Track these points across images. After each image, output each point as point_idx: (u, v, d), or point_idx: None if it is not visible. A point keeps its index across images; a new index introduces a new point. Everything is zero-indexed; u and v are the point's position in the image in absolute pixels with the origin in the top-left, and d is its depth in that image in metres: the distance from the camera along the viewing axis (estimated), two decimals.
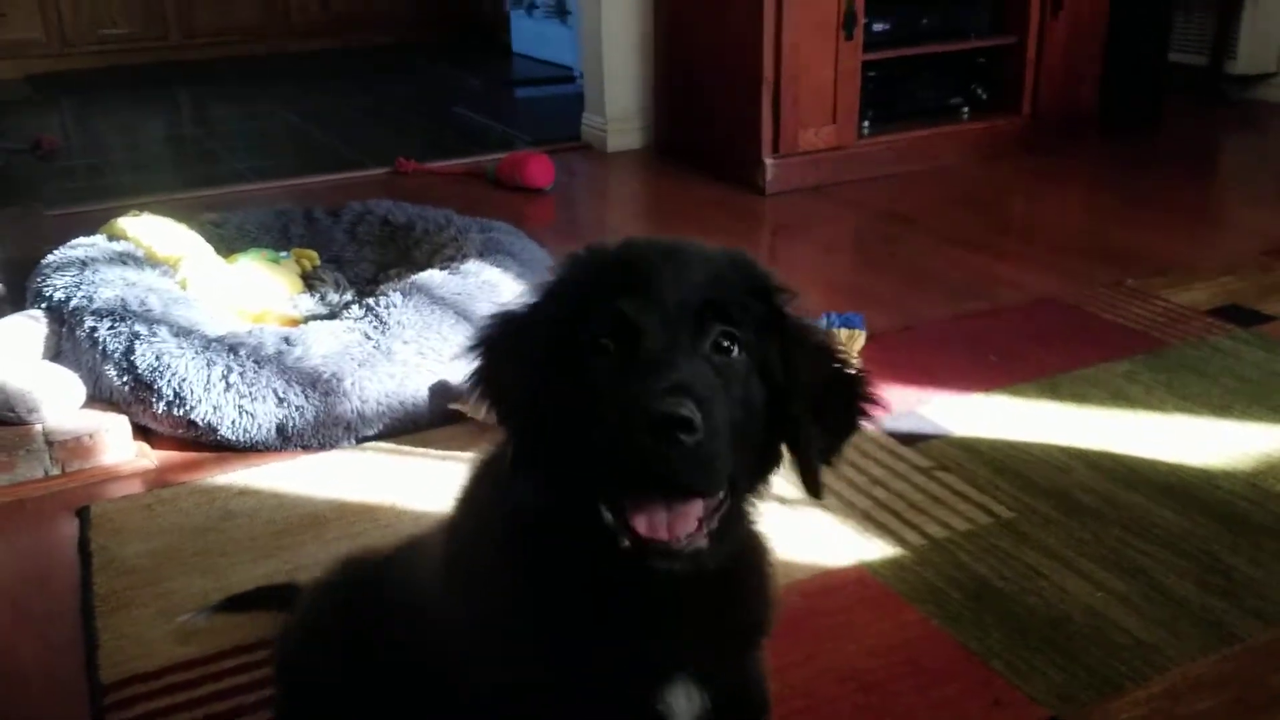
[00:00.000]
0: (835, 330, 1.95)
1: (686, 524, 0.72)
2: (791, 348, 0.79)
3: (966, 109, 3.23)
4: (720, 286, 0.78)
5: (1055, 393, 1.80)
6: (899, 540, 1.41)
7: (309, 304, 2.05)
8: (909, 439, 1.66)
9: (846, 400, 0.83)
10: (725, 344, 0.76)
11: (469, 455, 1.61)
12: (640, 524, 0.71)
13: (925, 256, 2.46)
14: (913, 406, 1.76)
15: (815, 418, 0.80)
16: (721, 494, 0.74)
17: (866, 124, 3.05)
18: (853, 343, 1.92)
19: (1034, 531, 1.42)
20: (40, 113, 4.28)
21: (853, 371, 0.84)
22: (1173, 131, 3.39)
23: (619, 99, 3.33)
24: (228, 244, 2.20)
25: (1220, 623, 1.23)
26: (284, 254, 2.17)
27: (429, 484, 1.56)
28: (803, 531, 1.41)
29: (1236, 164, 3.30)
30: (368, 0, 5.66)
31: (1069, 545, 1.39)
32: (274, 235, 2.29)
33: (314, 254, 2.21)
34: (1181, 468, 1.56)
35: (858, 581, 1.33)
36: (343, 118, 3.80)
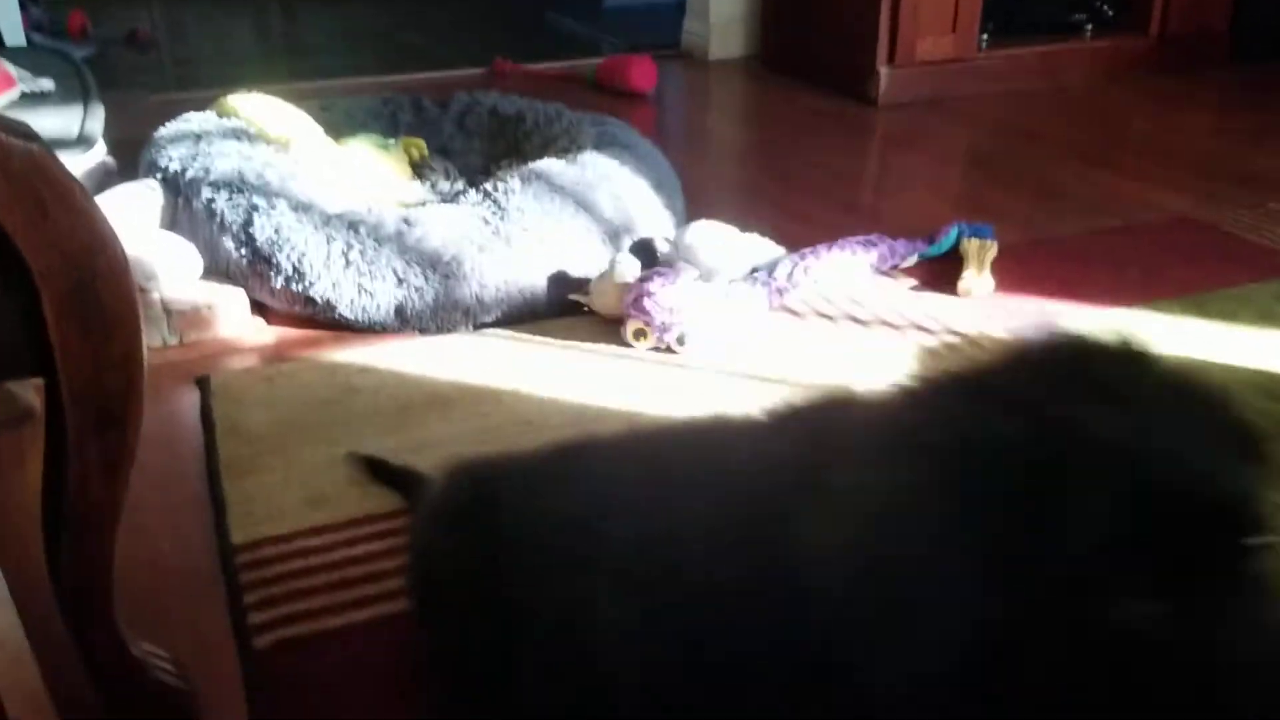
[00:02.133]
0: (967, 240, 1.87)
1: None
2: None
3: (1091, 26, 3.07)
4: None
5: (1202, 310, 1.70)
6: None
7: (421, 191, 2.00)
8: None
9: None
10: None
11: (588, 346, 1.58)
12: None
13: (1052, 172, 2.34)
14: (1051, 318, 1.67)
15: None
16: None
17: (986, 36, 2.91)
18: (985, 254, 1.83)
19: None
20: (129, 7, 4.25)
21: None
22: None
23: (723, 4, 3.22)
24: (335, 129, 2.15)
25: None
26: (392, 141, 2.12)
27: (550, 372, 1.52)
28: None
29: None
30: None
31: None
32: (382, 122, 2.24)
33: (422, 143, 2.15)
34: None
35: None
36: (430, 20, 3.72)
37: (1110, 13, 3.09)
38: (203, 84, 2.98)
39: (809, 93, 2.93)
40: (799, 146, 2.53)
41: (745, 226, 1.80)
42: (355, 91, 2.90)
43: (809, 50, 3.02)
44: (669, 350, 1.57)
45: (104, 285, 0.82)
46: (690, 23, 3.32)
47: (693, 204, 2.02)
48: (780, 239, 1.82)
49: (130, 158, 1.94)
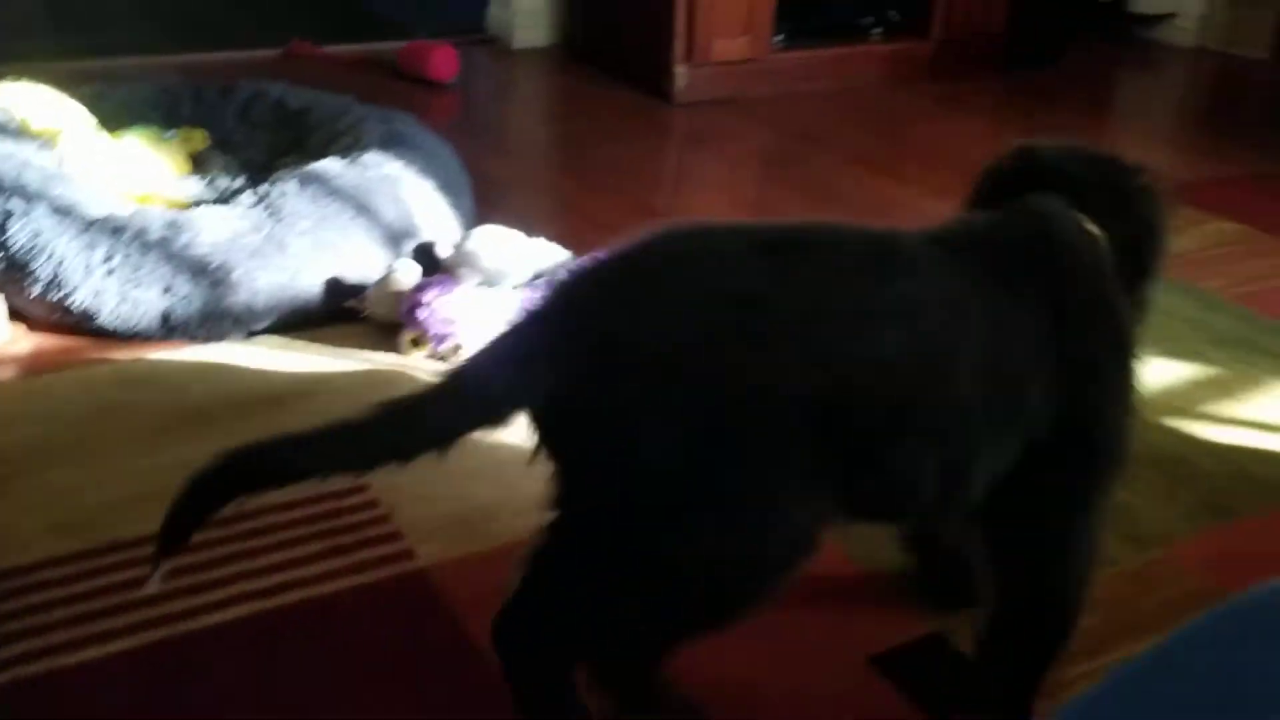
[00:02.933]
0: None
1: None
2: None
3: (879, 29, 3.22)
4: None
5: None
6: None
7: (197, 187, 1.95)
8: None
9: None
10: None
11: (364, 355, 1.59)
12: None
13: (831, 175, 2.46)
14: None
15: None
16: None
17: (780, 38, 3.02)
18: None
19: None
20: None
21: None
22: (1076, 67, 3.45)
23: None
24: (111, 119, 2.06)
25: None
26: (170, 132, 2.05)
27: (320, 380, 1.52)
28: None
29: (1135, 103, 3.39)
30: None
31: None
32: (160, 112, 2.16)
33: (202, 133, 2.09)
34: None
35: None
36: None
37: (897, 17, 3.24)
38: None
39: (610, 86, 2.97)
40: (595, 143, 2.58)
41: (535, 227, 1.84)
42: (140, 71, 2.79)
43: (612, 43, 3.06)
44: (443, 360, 1.60)
45: None
46: (495, 8, 3.31)
47: (484, 204, 2.04)
48: (569, 241, 1.86)
49: None
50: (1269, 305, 1.91)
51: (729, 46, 2.89)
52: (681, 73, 2.84)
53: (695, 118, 2.81)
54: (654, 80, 2.89)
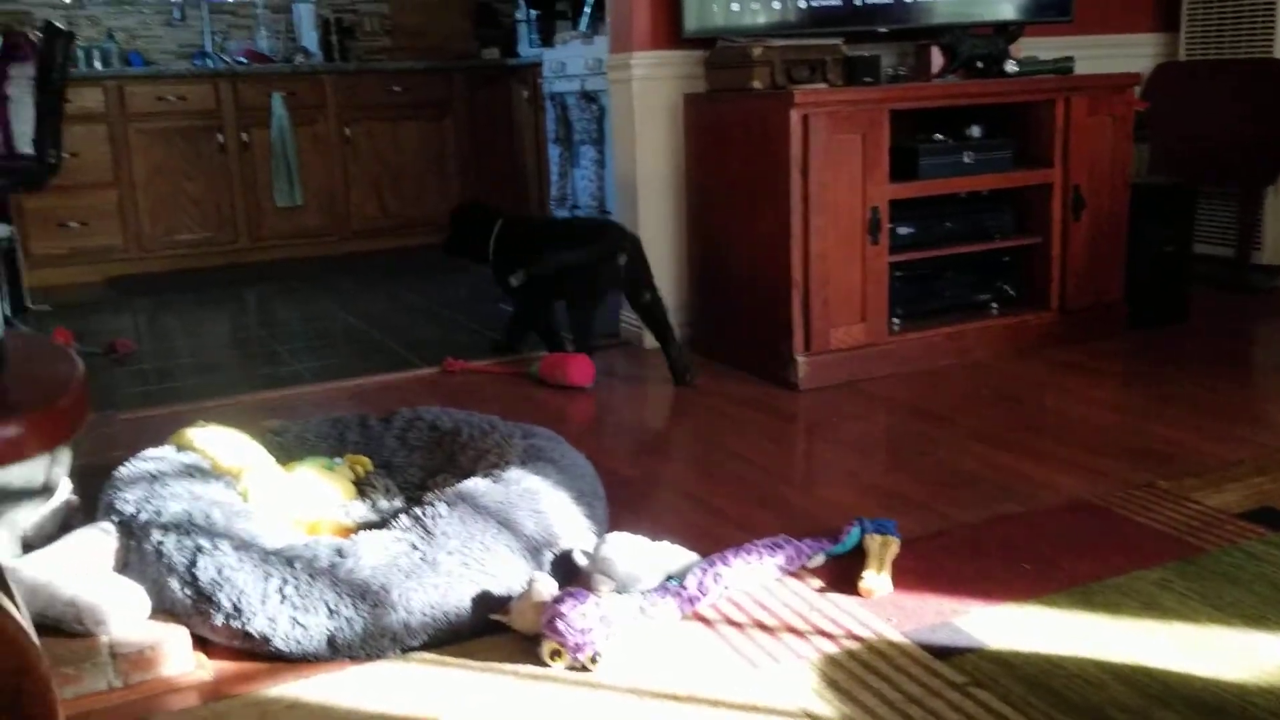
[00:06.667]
0: (869, 536, 2.00)
1: None
2: None
3: (995, 305, 3.34)
4: None
5: (1089, 603, 1.82)
6: None
7: (361, 510, 2.15)
8: (943, 652, 1.68)
9: None
10: None
11: (508, 667, 1.68)
12: None
13: (957, 456, 2.52)
14: (947, 617, 1.79)
15: None
16: None
17: (896, 321, 3.16)
18: (886, 550, 1.97)
19: None
20: (117, 313, 4.55)
21: None
22: (1201, 324, 3.47)
23: None
24: (287, 451, 2.32)
25: None
26: (338, 460, 2.29)
27: (469, 698, 1.61)
28: None
29: (1265, 357, 3.36)
30: (421, 203, 6.02)
31: None
32: (330, 442, 2.41)
33: (366, 460, 2.32)
34: (1216, 683, 1.57)
35: None
36: (397, 317, 4.00)
37: (1013, 292, 3.36)
38: (177, 397, 3.18)
39: (735, 379, 3.15)
40: (721, 436, 2.71)
41: (665, 525, 1.94)
42: (318, 396, 3.11)
43: (734, 339, 3.27)
44: (584, 669, 1.67)
45: (30, 700, 0.94)
46: (627, 315, 3.59)
47: (617, 505, 2.17)
48: (697, 538, 1.95)
49: (95, 485, 2.09)
50: None
51: (847, 334, 3.05)
52: (802, 362, 3.00)
53: (818, 403, 2.93)
54: (776, 370, 3.05)
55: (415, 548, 1.82)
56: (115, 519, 1.91)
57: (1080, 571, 1.93)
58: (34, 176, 3.74)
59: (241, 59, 5.86)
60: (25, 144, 3.82)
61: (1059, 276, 3.32)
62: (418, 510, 1.93)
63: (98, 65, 5.55)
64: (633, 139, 3.43)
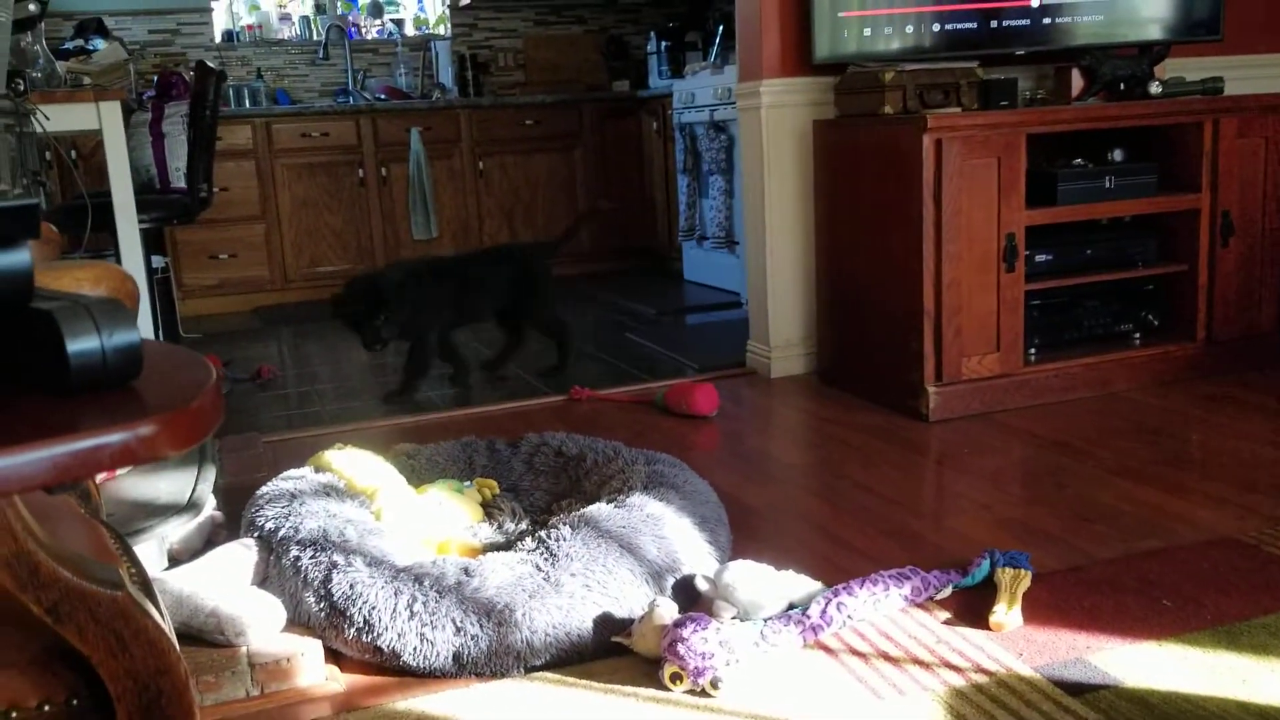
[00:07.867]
0: (1001, 570, 1.95)
1: None
2: None
3: (1137, 335, 3.21)
4: None
5: (1234, 642, 1.73)
6: None
7: (488, 532, 2.19)
8: (1075, 689, 1.62)
9: None
10: None
11: (629, 689, 1.69)
12: None
13: (1095, 489, 2.42)
14: (1081, 653, 1.72)
15: None
16: None
17: (1033, 351, 3.07)
18: (1018, 584, 1.91)
19: None
20: (262, 341, 4.77)
21: None
22: None
23: (782, 328, 3.48)
24: (418, 474, 2.39)
25: None
26: (468, 483, 2.34)
27: (591, 717, 1.62)
28: None
29: None
30: (551, 234, 6.13)
31: None
32: (460, 465, 2.47)
33: (494, 484, 2.37)
34: None
35: None
36: (526, 345, 4.07)
37: (1155, 321, 3.23)
38: (317, 421, 3.31)
39: (863, 409, 3.10)
40: (849, 467, 2.68)
41: (789, 553, 1.92)
42: (448, 422, 3.20)
43: (863, 369, 3.22)
44: (704, 693, 1.67)
45: (169, 701, 0.99)
46: (754, 344, 3.59)
47: (741, 532, 2.16)
48: (821, 568, 1.92)
49: (238, 503, 2.19)
50: None
51: (980, 364, 2.97)
52: (933, 393, 2.94)
53: (949, 435, 2.87)
54: (906, 401, 3.00)
55: (539, 569, 1.85)
56: (256, 535, 2.00)
57: (1225, 610, 1.83)
58: (186, 210, 3.96)
59: (381, 95, 6.11)
60: (179, 179, 4.06)
61: (1205, 306, 3.18)
62: (542, 533, 1.96)
63: (247, 103, 5.86)
64: (761, 166, 3.44)
